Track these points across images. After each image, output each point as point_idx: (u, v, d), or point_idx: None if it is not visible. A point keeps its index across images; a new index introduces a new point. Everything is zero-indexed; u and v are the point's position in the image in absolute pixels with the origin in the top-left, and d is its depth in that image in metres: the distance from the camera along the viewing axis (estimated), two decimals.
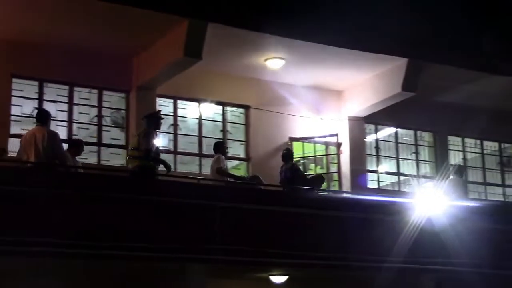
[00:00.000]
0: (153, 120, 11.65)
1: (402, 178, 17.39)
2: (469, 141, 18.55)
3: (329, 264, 11.51)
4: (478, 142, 18.69)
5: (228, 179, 13.01)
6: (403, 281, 12.55)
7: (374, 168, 17.18)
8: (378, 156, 17.31)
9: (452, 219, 12.44)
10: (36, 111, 12.59)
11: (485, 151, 18.76)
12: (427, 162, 17.97)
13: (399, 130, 17.68)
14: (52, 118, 11.86)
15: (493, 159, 18.89)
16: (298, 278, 12.85)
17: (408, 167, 17.65)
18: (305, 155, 16.52)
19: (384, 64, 15.29)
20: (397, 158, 17.56)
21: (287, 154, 14.06)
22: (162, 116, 12.15)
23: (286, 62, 15.07)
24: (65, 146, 11.94)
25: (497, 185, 18.72)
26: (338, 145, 16.63)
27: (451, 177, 15.46)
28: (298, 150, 16.42)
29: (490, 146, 18.84)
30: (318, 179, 14.19)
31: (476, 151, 18.70)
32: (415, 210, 12.50)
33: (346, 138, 16.63)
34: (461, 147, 18.44)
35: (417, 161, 17.76)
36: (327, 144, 16.68)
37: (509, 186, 18.86)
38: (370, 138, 17.36)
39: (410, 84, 15.28)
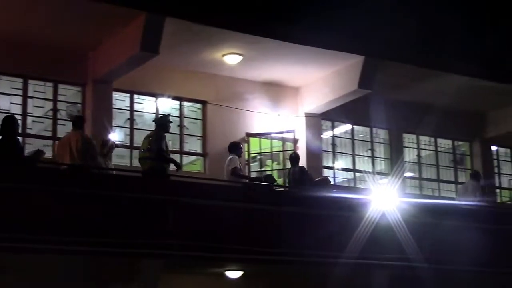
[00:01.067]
0: (163, 123, 12.20)
1: (357, 174, 17.55)
2: (424, 139, 18.80)
3: (284, 259, 11.56)
4: (432, 139, 18.96)
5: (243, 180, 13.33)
6: (358, 276, 12.67)
7: (330, 165, 17.31)
8: (334, 152, 17.44)
9: (406, 216, 12.60)
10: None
11: (439, 149, 19.04)
12: (382, 159, 18.18)
13: (355, 127, 17.84)
14: (3, 111, 11.69)
15: (447, 156, 19.18)
16: (253, 274, 12.88)
17: (363, 164, 17.83)
18: (262, 151, 16.56)
19: (341, 62, 15.40)
20: (353, 155, 17.72)
21: (295, 157, 14.46)
22: (171, 119, 12.57)
23: (243, 58, 15.07)
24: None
25: (450, 182, 19.02)
26: (295, 141, 16.71)
27: (468, 181, 16.15)
28: (254, 146, 16.46)
29: (444, 143, 19.13)
30: (324, 181, 14.59)
31: (430, 148, 18.96)
32: (370, 206, 12.63)
33: (303, 134, 16.72)
34: (416, 145, 18.67)
35: (373, 158, 17.94)
36: (284, 140, 16.74)
37: (461, 183, 19.16)
38: (326, 135, 17.48)
39: (367, 82, 15.42)
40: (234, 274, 12.67)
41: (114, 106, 15.04)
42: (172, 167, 12.22)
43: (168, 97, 15.69)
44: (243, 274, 12.73)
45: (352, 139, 17.79)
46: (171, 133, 15.60)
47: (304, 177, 14.08)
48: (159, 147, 11.71)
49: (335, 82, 15.95)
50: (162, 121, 12.34)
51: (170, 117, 12.67)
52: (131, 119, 15.36)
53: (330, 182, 15.07)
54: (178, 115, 15.93)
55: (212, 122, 16.09)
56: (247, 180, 14.00)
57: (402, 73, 15.70)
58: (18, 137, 11.19)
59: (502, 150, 20.04)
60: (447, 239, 12.99)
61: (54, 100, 14.71)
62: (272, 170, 16.34)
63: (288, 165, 16.62)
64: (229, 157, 13.25)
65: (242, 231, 11.25)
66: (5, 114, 11.79)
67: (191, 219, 10.87)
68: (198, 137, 16.12)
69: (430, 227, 12.93)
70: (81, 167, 11.29)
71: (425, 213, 13.39)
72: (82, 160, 11.28)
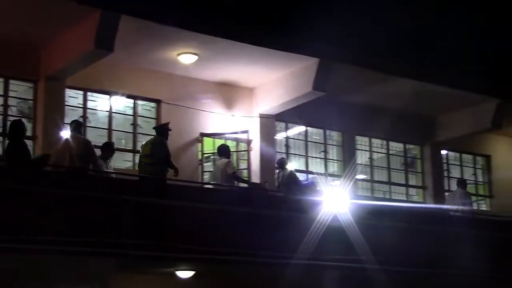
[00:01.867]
0: (164, 131, 13.03)
1: (310, 176, 17.66)
2: (376, 141, 19.02)
3: (235, 260, 11.58)
4: (384, 142, 19.19)
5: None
6: (309, 277, 12.77)
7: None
8: (287, 154, 17.53)
9: (357, 217, 12.74)
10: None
11: (390, 152, 19.28)
12: (335, 161, 18.33)
13: (309, 128, 17.96)
14: None
15: (398, 159, 19.43)
16: (205, 274, 12.87)
17: (316, 166, 17.95)
18: (216, 151, 16.51)
19: (295, 63, 15.48)
20: (306, 156, 17.83)
21: (283, 161, 15.26)
22: (170, 128, 13.28)
23: (198, 58, 15.05)
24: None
25: (401, 185, 19.27)
26: (249, 142, 16.74)
27: (455, 189, 17.01)
28: (208, 146, 16.44)
29: (396, 146, 19.38)
30: (312, 186, 15.35)
31: (382, 151, 19.19)
32: (322, 207, 12.73)
33: (257, 135, 16.77)
34: (368, 147, 18.88)
35: (326, 159, 18.08)
36: (237, 141, 16.77)
37: (412, 186, 19.46)
38: (280, 136, 17.56)
39: (321, 84, 15.53)
40: (185, 274, 12.64)
41: (66, 103, 14.86)
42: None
43: (122, 95, 15.56)
44: (194, 274, 12.71)
45: (306, 140, 17.91)
46: (124, 131, 15.63)
47: (293, 181, 14.82)
48: (167, 153, 12.54)
49: (289, 84, 16.03)
50: (162, 129, 13.08)
51: (169, 125, 13.29)
52: (84, 117, 15.18)
53: (317, 186, 15.45)
54: (132, 114, 15.82)
55: (166, 121, 15.95)
56: (246, 185, 14.52)
57: (356, 76, 15.88)
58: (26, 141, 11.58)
59: (451, 154, 20.40)
60: (398, 241, 13.18)
61: (5, 96, 14.46)
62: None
63: (242, 166, 16.72)
64: (222, 160, 13.68)
65: (194, 231, 11.23)
66: None
67: (143, 219, 10.81)
68: (152, 136, 15.99)
69: (381, 229, 13.10)
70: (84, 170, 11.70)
71: (376, 215, 13.55)
72: (82, 163, 11.70)
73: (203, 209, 11.45)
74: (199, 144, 16.26)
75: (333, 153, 18.34)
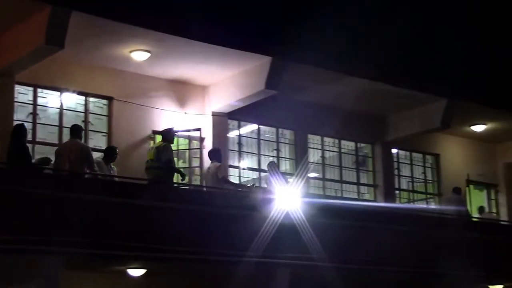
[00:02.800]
0: (170, 136, 13.91)
1: (262, 174, 17.72)
2: (328, 140, 19.17)
3: (186, 258, 11.56)
4: (336, 141, 19.36)
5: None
6: (261, 274, 12.82)
7: (236, 164, 17.42)
8: (240, 152, 17.56)
9: (309, 215, 12.84)
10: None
11: (342, 150, 19.45)
12: (288, 159, 18.43)
13: (261, 127, 18.01)
14: None
15: (350, 158, 19.63)
16: (156, 272, 12.83)
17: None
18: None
19: (248, 62, 15.51)
20: (258, 155, 17.88)
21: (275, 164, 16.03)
22: (176, 132, 14.36)
23: (151, 55, 14.97)
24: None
25: (352, 183, 19.47)
26: (201, 140, 16.72)
27: (451, 195, 18.45)
28: None
29: (347, 145, 19.57)
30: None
31: (334, 149, 19.36)
32: (274, 205, 12.80)
33: (209, 133, 16.75)
34: (320, 146, 19.02)
35: (278, 158, 18.16)
36: (190, 139, 16.72)
37: (363, 184, 19.68)
38: (232, 134, 17.58)
39: (273, 82, 15.59)
40: (136, 272, 12.58)
41: (16, 100, 14.63)
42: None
43: (73, 92, 15.39)
44: (146, 272, 12.66)
45: (258, 139, 17.96)
46: None
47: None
48: (170, 158, 13.18)
49: (242, 82, 16.06)
50: (169, 134, 13.80)
51: (174, 128, 14.20)
52: (34, 114, 14.98)
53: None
54: (83, 111, 15.65)
55: (118, 118, 15.89)
56: (235, 187, 15.17)
57: (308, 75, 15.97)
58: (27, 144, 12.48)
59: (402, 152, 20.68)
60: (349, 239, 13.32)
61: None
62: (178, 167, 16.28)
63: (194, 163, 16.69)
64: (213, 163, 14.31)
65: (144, 229, 11.18)
66: None
67: (92, 216, 10.72)
68: (103, 134, 15.89)
69: (332, 226, 13.23)
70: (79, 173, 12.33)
71: (327, 213, 13.68)
72: (79, 167, 12.40)
73: (153, 207, 11.40)
74: (151, 142, 16.16)
75: (285, 151, 18.43)
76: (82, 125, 15.46)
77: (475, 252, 15.38)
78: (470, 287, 16.75)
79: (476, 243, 15.39)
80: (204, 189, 14.88)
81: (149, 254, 11.18)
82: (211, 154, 14.79)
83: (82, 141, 13.67)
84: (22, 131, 12.17)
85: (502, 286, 17.80)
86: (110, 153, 14.05)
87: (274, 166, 15.45)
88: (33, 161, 12.79)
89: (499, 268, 16.07)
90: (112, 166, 13.82)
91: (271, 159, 17.99)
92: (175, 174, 13.96)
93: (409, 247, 14.11)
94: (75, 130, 13.12)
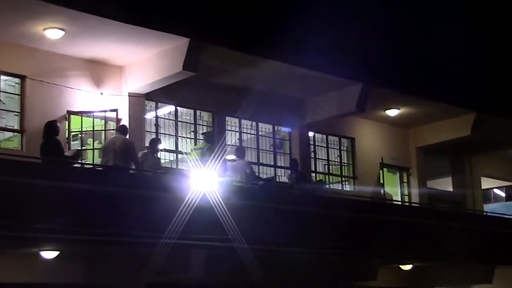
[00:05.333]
0: (212, 138, 15.63)
1: (180, 156, 17.66)
2: (246, 123, 19.25)
3: (100, 240, 11.42)
4: (254, 123, 19.46)
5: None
6: (176, 256, 12.80)
7: None
8: (157, 133, 17.43)
9: (225, 198, 12.88)
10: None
11: (260, 133, 19.57)
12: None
13: (179, 108, 17.92)
14: None
15: (267, 140, 19.78)
16: (70, 254, 12.65)
17: (186, 145, 17.95)
18: (84, 129, 16.20)
19: (166, 42, 15.37)
20: (175, 136, 17.80)
21: (295, 163, 17.90)
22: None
23: (65, 33, 14.63)
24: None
25: (270, 165, 19.64)
26: (118, 120, 16.50)
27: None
28: (76, 124, 16.08)
29: (265, 128, 19.71)
30: (321, 182, 18.18)
31: (251, 132, 19.46)
32: (191, 187, 12.78)
33: (126, 114, 16.55)
34: (238, 128, 19.09)
35: (196, 139, 18.12)
36: (106, 119, 16.48)
37: (280, 167, 19.87)
38: (150, 115, 17.42)
39: (191, 64, 15.50)
40: (49, 255, 12.37)
41: None
42: None
43: None
44: (59, 255, 12.47)
45: (176, 120, 17.87)
46: None
47: (305, 179, 17.34)
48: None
49: (160, 63, 15.90)
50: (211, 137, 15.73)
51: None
52: None
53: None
54: None
55: (31, 97, 15.48)
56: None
57: (226, 57, 15.97)
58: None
59: (318, 135, 20.99)
60: (264, 221, 13.45)
61: None
62: (93, 149, 16.07)
63: None
64: (243, 161, 15.85)
65: (58, 211, 10.97)
66: None
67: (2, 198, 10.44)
68: (16, 113, 15.47)
69: (248, 209, 13.32)
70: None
71: (244, 195, 13.77)
72: (123, 161, 13.64)
73: (66, 189, 11.20)
74: (66, 122, 15.85)
75: None
76: None
77: (386, 233, 15.84)
78: (380, 266, 17.25)
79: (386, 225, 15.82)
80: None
81: (62, 236, 10.99)
82: (238, 151, 16.25)
83: None
84: (55, 127, 13.29)
85: (411, 265, 18.43)
86: (155, 143, 15.18)
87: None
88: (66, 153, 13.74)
89: (409, 248, 16.59)
90: (155, 155, 14.91)
91: (188, 141, 17.97)
92: None
93: (320, 229, 14.36)
94: (122, 128, 14.56)
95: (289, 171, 18.53)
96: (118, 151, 13.75)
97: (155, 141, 15.38)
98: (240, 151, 16.52)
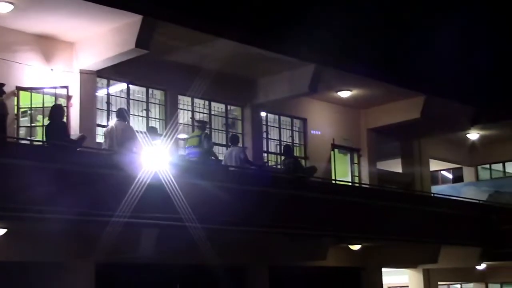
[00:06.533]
0: (205, 126, 16.48)
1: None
2: (198, 102, 19.19)
3: (48, 217, 11.30)
4: (207, 103, 19.41)
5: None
6: (127, 235, 12.76)
7: (104, 123, 17.08)
8: (109, 111, 17.25)
9: (176, 176, 12.87)
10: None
11: (212, 112, 19.54)
12: (157, 120, 18.30)
13: (131, 86, 17.75)
14: None
15: (220, 120, 19.76)
16: (18, 232, 12.52)
17: (138, 124, 17.82)
18: (33, 106, 15.94)
19: (118, 19, 15.17)
20: (127, 114, 17.58)
21: (289, 149, 18.55)
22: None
23: (14, 7, 14.32)
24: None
25: (222, 145, 19.64)
26: (68, 97, 16.27)
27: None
28: (25, 101, 15.82)
29: (217, 107, 19.68)
30: (312, 169, 18.12)
31: (204, 111, 19.41)
32: (142, 165, 12.72)
33: (77, 91, 16.34)
34: (191, 107, 19.02)
35: (148, 118, 18.01)
36: (57, 96, 16.24)
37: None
38: (101, 93, 17.23)
39: (144, 41, 15.33)
40: None
41: None
42: None
43: None
44: (6, 232, 12.32)
45: (128, 98, 17.70)
46: None
47: (297, 167, 17.23)
48: (211, 146, 16.19)
49: (112, 40, 15.70)
50: (205, 125, 16.49)
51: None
52: None
53: (316, 169, 18.10)
54: None
55: None
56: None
57: (179, 36, 15.88)
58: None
59: (271, 116, 21.06)
60: (215, 200, 13.47)
61: None
62: (42, 125, 15.82)
63: None
64: (241, 148, 16.68)
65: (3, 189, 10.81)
66: None
67: None
68: None
69: (199, 187, 13.33)
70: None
71: (196, 174, 13.76)
72: (123, 146, 13.73)
73: (15, 166, 11.04)
74: (15, 98, 15.58)
75: (155, 111, 18.29)
76: None
77: (335, 213, 16.04)
78: (329, 245, 17.46)
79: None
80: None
81: (7, 213, 10.84)
82: (232, 139, 17.06)
83: None
84: (61, 110, 13.47)
85: (360, 245, 18.71)
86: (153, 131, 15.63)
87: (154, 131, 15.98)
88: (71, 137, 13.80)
89: (358, 228, 16.83)
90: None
91: (140, 119, 17.85)
92: None
93: (270, 208, 14.46)
94: (121, 113, 14.50)
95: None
96: (119, 138, 13.92)
97: (125, 110, 15.10)
98: (234, 138, 17.04)
